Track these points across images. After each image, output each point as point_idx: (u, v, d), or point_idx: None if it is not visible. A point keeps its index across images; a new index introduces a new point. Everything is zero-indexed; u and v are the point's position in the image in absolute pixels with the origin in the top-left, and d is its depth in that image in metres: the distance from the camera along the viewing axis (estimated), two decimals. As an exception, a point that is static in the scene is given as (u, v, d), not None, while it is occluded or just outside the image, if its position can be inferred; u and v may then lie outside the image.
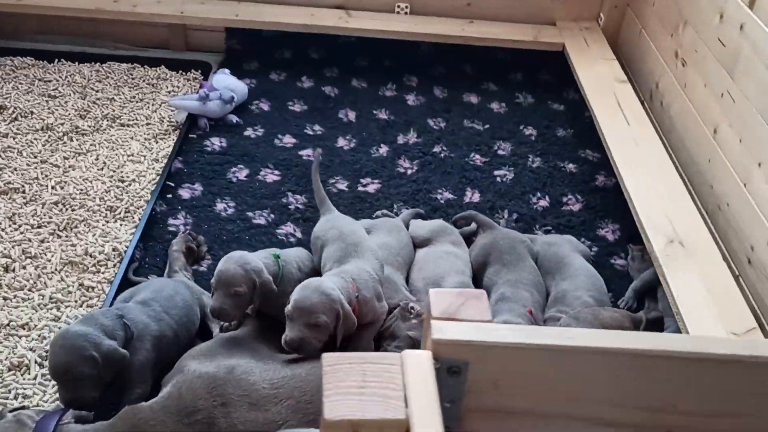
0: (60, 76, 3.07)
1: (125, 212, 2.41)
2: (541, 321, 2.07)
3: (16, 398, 1.79)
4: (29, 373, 1.85)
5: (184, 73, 3.22)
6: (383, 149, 2.86)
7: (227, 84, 2.94)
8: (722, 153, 2.33)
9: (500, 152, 2.90)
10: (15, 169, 2.53)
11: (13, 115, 2.81)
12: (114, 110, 2.90)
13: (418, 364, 0.81)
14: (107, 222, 2.36)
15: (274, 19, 3.25)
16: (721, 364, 0.84)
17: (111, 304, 1.99)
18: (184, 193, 2.55)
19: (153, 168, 2.62)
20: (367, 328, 1.88)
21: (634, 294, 2.24)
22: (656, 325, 2.11)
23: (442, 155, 2.85)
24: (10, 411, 1.58)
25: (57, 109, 2.86)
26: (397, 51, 3.37)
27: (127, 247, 2.25)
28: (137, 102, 2.98)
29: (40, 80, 3.05)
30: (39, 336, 1.95)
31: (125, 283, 2.10)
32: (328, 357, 0.80)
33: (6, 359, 1.87)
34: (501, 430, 0.91)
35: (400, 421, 0.75)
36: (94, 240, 2.27)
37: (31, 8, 3.19)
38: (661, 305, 2.17)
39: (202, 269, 2.25)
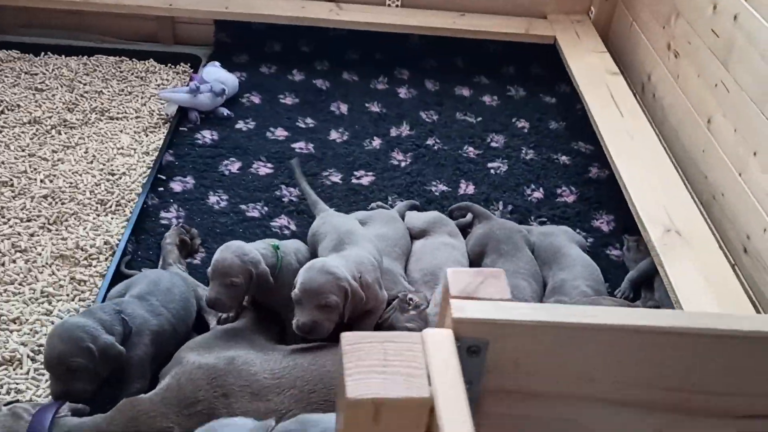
0: (47, 69, 3.02)
1: (116, 205, 2.37)
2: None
3: (8, 393, 1.75)
4: (21, 368, 1.81)
5: (173, 66, 3.18)
6: (376, 142, 2.84)
7: (218, 76, 2.91)
8: (716, 143, 2.33)
9: (493, 144, 2.89)
10: (2, 163, 2.49)
11: (0, 109, 2.76)
12: (102, 103, 2.86)
13: (440, 343, 0.79)
14: (98, 215, 2.32)
15: (264, 12, 3.22)
16: (744, 341, 0.83)
17: (104, 298, 1.96)
18: (176, 186, 2.52)
19: (143, 161, 2.59)
20: (369, 316, 1.86)
21: (630, 284, 2.23)
22: (654, 314, 2.11)
23: (435, 148, 2.84)
24: (5, 405, 1.54)
25: (44, 103, 2.82)
26: (387, 44, 3.35)
27: (119, 240, 2.21)
28: (126, 95, 2.94)
29: (26, 73, 3.00)
30: (31, 330, 1.91)
31: (118, 277, 2.07)
32: (347, 336, 0.78)
33: (-3, 354, 1.84)
34: (520, 411, 0.90)
35: (424, 400, 0.73)
36: (85, 233, 2.23)
37: (16, 1, 3.13)
38: (658, 295, 2.17)
39: (196, 262, 2.22)
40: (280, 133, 2.84)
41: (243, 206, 2.45)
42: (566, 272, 2.16)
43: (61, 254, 2.14)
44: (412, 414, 0.74)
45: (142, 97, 2.93)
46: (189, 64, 3.20)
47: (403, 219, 2.36)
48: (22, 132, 2.65)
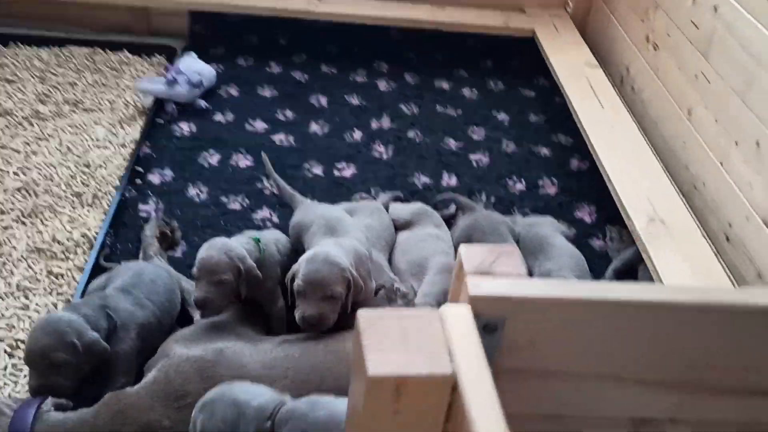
0: (17, 61, 2.93)
1: (93, 198, 2.31)
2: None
3: (-15, 389, 1.69)
4: (-2, 364, 1.75)
5: (147, 58, 3.11)
6: (357, 134, 2.82)
7: (195, 68, 2.86)
8: (697, 134, 2.35)
9: (474, 137, 2.88)
10: (-27, 155, 2.41)
11: (-32, 100, 2.68)
12: (76, 95, 2.79)
13: (459, 319, 0.77)
14: (74, 208, 2.26)
15: (240, 3, 3.17)
16: (762, 317, 0.82)
17: (83, 291, 1.91)
18: (154, 178, 2.46)
19: (120, 153, 2.52)
20: (357, 307, 1.83)
21: (614, 273, 2.24)
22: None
23: (417, 140, 2.82)
24: (-16, 401, 1.49)
25: (15, 94, 2.73)
26: (366, 37, 3.32)
27: (97, 233, 2.16)
28: (100, 86, 2.87)
29: (-5, 64, 2.91)
30: (7, 325, 1.84)
31: (97, 270, 2.01)
32: (364, 313, 0.76)
33: (-27, 350, 1.77)
34: (534, 391, 0.88)
35: (446, 377, 0.71)
36: (62, 226, 2.17)
37: (-17, -11, 3.05)
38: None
39: (177, 255, 2.17)
40: (260, 125, 2.80)
41: (224, 199, 2.41)
42: (552, 262, 2.16)
43: (37, 248, 2.08)
44: (434, 391, 0.72)
45: (116, 89, 2.86)
46: (164, 56, 3.13)
47: (387, 210, 2.34)
48: (-7, 124, 2.57)
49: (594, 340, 0.85)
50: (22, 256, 2.05)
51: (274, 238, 2.05)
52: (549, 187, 2.65)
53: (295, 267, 1.76)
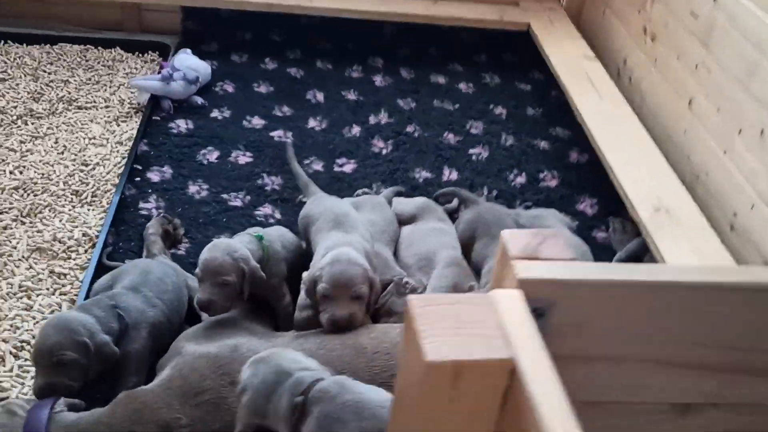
0: (8, 59, 2.88)
1: (92, 196, 2.27)
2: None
3: (-8, 391, 1.65)
4: (5, 365, 1.71)
5: (140, 55, 3.07)
6: (356, 129, 2.80)
7: (190, 64, 2.82)
8: (699, 124, 2.36)
9: (473, 131, 2.88)
10: (-33, 154, 2.36)
11: (-41, 99, 2.63)
12: (70, 93, 2.74)
13: (512, 303, 0.76)
14: (74, 207, 2.22)
15: (234, -1, 3.14)
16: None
17: (88, 290, 1.88)
18: (153, 176, 2.43)
19: (117, 151, 2.49)
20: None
21: (619, 265, 2.25)
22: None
23: (415, 135, 2.81)
24: (-4, 402, 1.45)
25: (8, 92, 2.69)
26: (361, 32, 3.30)
27: (98, 232, 2.12)
28: (94, 84, 2.82)
29: (-14, 63, 2.86)
30: (11, 326, 1.81)
31: (100, 269, 1.98)
32: (416, 299, 0.74)
33: (-23, 351, 1.73)
34: (577, 376, 0.87)
35: (504, 362, 0.70)
36: (62, 225, 2.13)
37: (-29, -13, 2.99)
38: (647, 275, 2.18)
39: (180, 253, 2.14)
40: (257, 121, 2.77)
41: (225, 195, 2.38)
42: (558, 254, 2.15)
43: (38, 247, 2.04)
44: (492, 376, 0.71)
45: (110, 86, 2.82)
46: (157, 53, 3.10)
47: (390, 205, 2.32)
48: (-14, 123, 2.53)
49: (639, 323, 0.85)
50: (23, 256, 2.01)
51: (278, 235, 2.03)
52: (549, 180, 2.64)
53: (313, 272, 1.74)
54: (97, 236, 2.10)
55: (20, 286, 1.92)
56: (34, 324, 1.81)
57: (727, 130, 2.20)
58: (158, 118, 2.70)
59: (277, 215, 2.32)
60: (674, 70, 2.54)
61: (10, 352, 1.74)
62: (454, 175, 2.61)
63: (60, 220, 2.15)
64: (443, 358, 0.69)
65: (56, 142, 2.47)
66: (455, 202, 2.42)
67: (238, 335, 1.65)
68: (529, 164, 2.71)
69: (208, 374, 1.47)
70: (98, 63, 2.95)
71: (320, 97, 2.97)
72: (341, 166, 2.59)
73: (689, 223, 2.14)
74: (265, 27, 3.30)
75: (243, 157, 2.57)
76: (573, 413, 0.67)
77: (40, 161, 2.37)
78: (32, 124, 2.55)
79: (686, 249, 2.03)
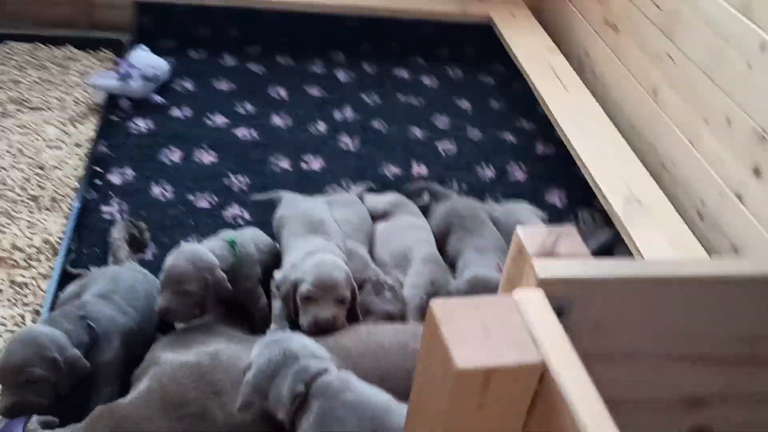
0: (-49, 58, 2.75)
1: (51, 201, 2.17)
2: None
3: (-45, 411, 1.56)
4: (-33, 382, 1.62)
5: (93, 53, 2.96)
6: (321, 126, 2.75)
7: (148, 61, 2.73)
8: (665, 114, 2.39)
9: (439, 125, 2.86)
10: None
11: None
12: (21, 93, 2.62)
13: (535, 304, 0.73)
14: (32, 213, 2.12)
15: (190, -6, 3.05)
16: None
17: (54, 300, 1.79)
18: (115, 178, 2.34)
19: (75, 153, 2.39)
20: None
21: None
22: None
23: (382, 130, 2.78)
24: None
25: (-46, 93, 2.56)
26: (321, 26, 3.25)
27: (60, 238, 2.03)
28: (45, 84, 2.71)
29: (-73, 63, 2.72)
30: (-28, 341, 1.71)
31: (64, 277, 1.89)
32: (438, 304, 0.71)
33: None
34: (596, 375, 0.85)
35: (535, 366, 0.68)
36: (20, 233, 2.04)
37: None
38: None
39: (148, 258, 2.06)
40: (220, 119, 2.70)
41: (190, 197, 2.31)
42: (532, 247, 2.15)
43: (-4, 256, 1.95)
44: (522, 381, 0.68)
45: (63, 86, 2.71)
46: (111, 50, 2.99)
47: (362, 201, 2.29)
48: (-68, 126, 2.40)
49: (653, 319, 0.83)
50: (-20, 266, 1.91)
51: (252, 237, 1.98)
52: (518, 173, 2.64)
53: (291, 275, 1.70)
54: (59, 243, 2.01)
55: (-21, 298, 1.82)
56: (-4, 337, 1.72)
57: (693, 120, 2.23)
58: (116, 118, 2.61)
59: (246, 216, 2.27)
60: (637, 61, 2.57)
61: (-27, 369, 1.64)
62: (424, 170, 2.59)
63: (18, 227, 2.05)
64: (474, 365, 0.66)
65: (10, 146, 2.35)
66: (426, 196, 2.40)
67: (215, 342, 1.59)
68: (496, 157, 2.71)
69: (189, 384, 1.42)
70: (49, 62, 2.83)
71: (283, 93, 2.92)
72: (308, 163, 2.54)
73: (659, 212, 2.17)
74: (223, 22, 3.21)
75: (207, 157, 2.50)
76: (609, 415, 0.65)
77: (-7, 166, 2.26)
78: (-18, 126, 2.43)
79: (659, 238, 2.05)
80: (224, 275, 1.74)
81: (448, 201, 2.28)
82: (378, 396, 1.27)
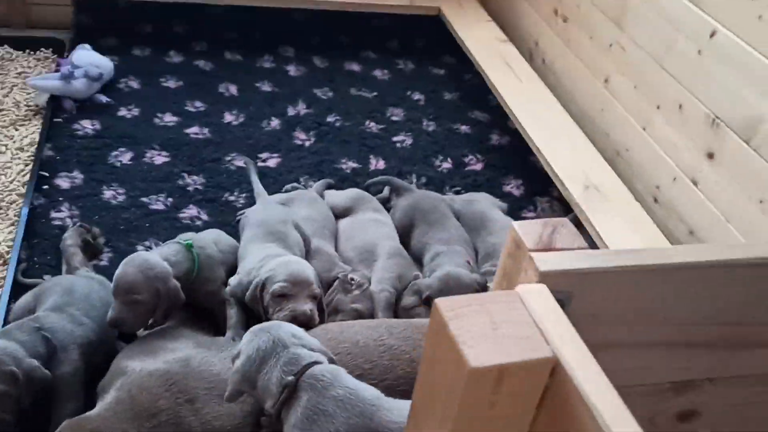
0: None
1: (-4, 209, 2.08)
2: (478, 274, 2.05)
3: None
4: None
5: (32, 53, 2.84)
6: (275, 122, 2.70)
7: (91, 60, 2.63)
8: (616, 101, 2.43)
9: (394, 118, 2.84)
10: None
11: None
12: (-44, 96, 2.50)
13: (539, 298, 0.72)
14: (-24, 221, 2.02)
15: (131, -10, 2.95)
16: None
17: (6, 312, 1.71)
18: (63, 182, 2.25)
19: (19, 158, 2.29)
20: None
21: (551, 243, 2.28)
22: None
23: (337, 124, 2.75)
24: None
25: None
26: (269, 20, 3.19)
27: (9, 247, 1.94)
28: (-18, 86, 2.58)
29: None
30: None
31: (16, 288, 1.81)
32: (443, 303, 0.70)
33: None
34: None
35: (547, 360, 0.67)
36: (-35, 243, 1.94)
37: None
38: (579, 251, 2.23)
39: (103, 263, 1.99)
40: (170, 118, 2.62)
41: (144, 199, 2.24)
42: (495, 236, 2.17)
43: (-59, 269, 1.85)
44: (534, 376, 0.68)
45: (2, 88, 2.59)
46: (51, 50, 2.87)
47: (322, 198, 2.26)
48: None
49: (651, 307, 0.84)
50: (-77, 280, 1.81)
51: (212, 238, 1.93)
52: (474, 164, 2.65)
53: (256, 277, 1.68)
54: (8, 252, 1.92)
55: (-75, 314, 1.72)
56: (-53, 355, 1.62)
57: (646, 107, 2.27)
58: (61, 119, 2.51)
59: (204, 216, 2.21)
60: (587, 50, 2.60)
61: (-76, 389, 1.55)
62: (381, 164, 2.57)
63: (-37, 237, 1.95)
64: (486, 363, 0.65)
65: (-53, 152, 2.24)
66: (386, 191, 2.39)
67: (182, 346, 1.55)
68: (453, 149, 2.71)
69: (161, 393, 1.37)
70: (-15, 63, 2.70)
71: (233, 89, 2.85)
72: (265, 161, 2.49)
73: (616, 198, 2.20)
74: (167, 18, 3.12)
75: (159, 157, 2.42)
76: (624, 404, 0.64)
77: (-70, 173, 2.14)
78: None
79: (619, 223, 2.09)
80: (177, 284, 1.68)
81: (410, 195, 2.27)
82: (366, 391, 1.25)
